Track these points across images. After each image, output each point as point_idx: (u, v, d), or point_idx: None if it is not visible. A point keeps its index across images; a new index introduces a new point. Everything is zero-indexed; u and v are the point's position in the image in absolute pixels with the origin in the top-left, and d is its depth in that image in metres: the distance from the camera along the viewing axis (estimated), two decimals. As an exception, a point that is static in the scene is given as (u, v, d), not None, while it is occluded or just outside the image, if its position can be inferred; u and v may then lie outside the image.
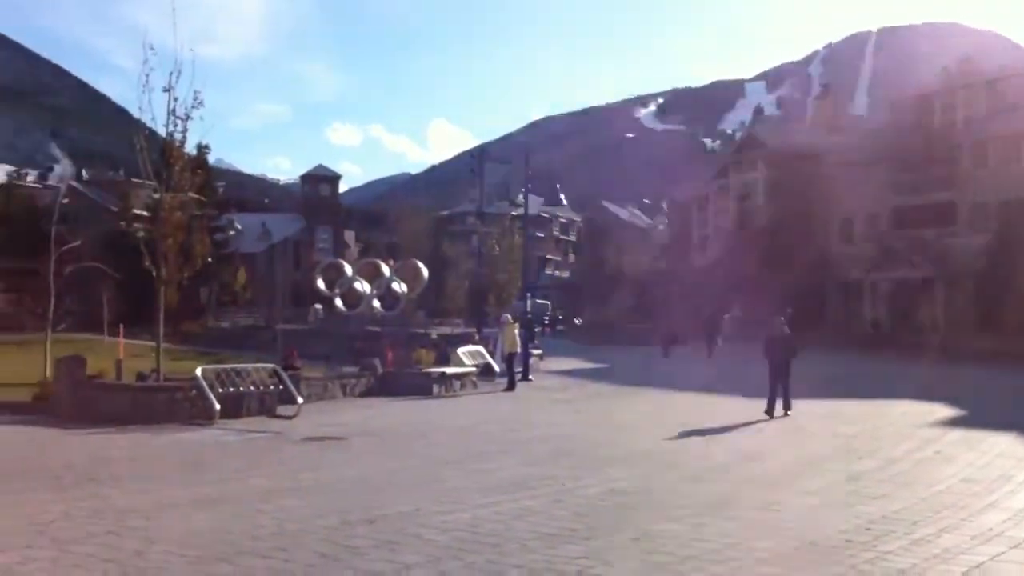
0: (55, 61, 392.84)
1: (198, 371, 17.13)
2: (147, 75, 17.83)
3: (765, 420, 16.48)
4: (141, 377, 18.90)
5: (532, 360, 28.88)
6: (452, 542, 7.30)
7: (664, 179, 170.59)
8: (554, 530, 7.76)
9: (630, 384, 26.00)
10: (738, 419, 16.46)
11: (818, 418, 16.72)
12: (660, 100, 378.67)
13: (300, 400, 17.89)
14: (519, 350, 26.29)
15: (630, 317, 59.90)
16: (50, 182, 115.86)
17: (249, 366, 18.76)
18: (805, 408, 17.49)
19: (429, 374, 24.00)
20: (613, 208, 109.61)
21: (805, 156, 53.24)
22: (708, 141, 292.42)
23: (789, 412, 17.10)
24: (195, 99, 18.14)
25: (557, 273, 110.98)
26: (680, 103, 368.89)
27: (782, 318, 18.50)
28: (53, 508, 8.62)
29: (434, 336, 36.86)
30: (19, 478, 10.41)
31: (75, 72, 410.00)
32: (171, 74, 17.83)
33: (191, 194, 19.59)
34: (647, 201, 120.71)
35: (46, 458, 12.08)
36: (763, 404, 17.08)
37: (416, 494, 9.51)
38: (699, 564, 6.69)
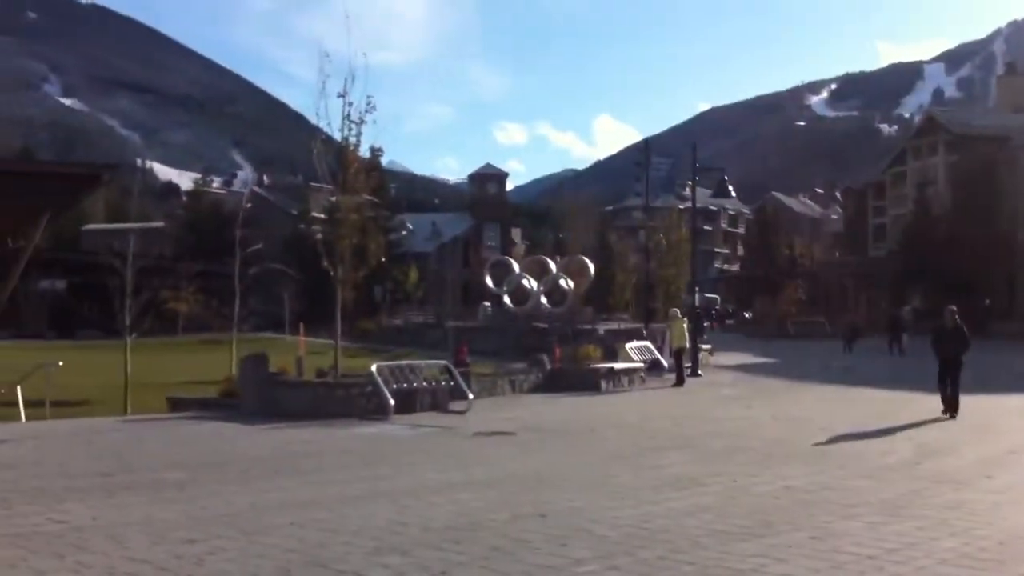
0: (237, 72, 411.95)
1: (373, 368, 17.63)
2: (323, 82, 18.48)
3: (947, 418, 15.72)
4: (320, 374, 19.59)
5: (701, 355, 28.45)
6: (623, 538, 7.27)
7: (836, 167, 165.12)
8: (727, 527, 7.62)
9: (803, 379, 25.30)
10: (920, 416, 15.77)
11: (1007, 413, 15.85)
12: (833, 86, 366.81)
13: (471, 396, 18.16)
14: (687, 345, 25.97)
15: (803, 310, 58.29)
16: (234, 188, 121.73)
17: (422, 363, 19.21)
18: (994, 404, 16.60)
19: (597, 370, 23.96)
20: (784, 198, 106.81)
21: (989, 139, 50.61)
22: (884, 127, 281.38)
23: (954, 414, 15.87)
24: (368, 104, 18.70)
25: (726, 266, 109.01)
26: (854, 88, 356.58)
27: (953, 308, 17.39)
28: (240, 499, 9.04)
29: (601, 332, 36.76)
30: (209, 470, 10.96)
31: (256, 82, 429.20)
32: (345, 80, 18.43)
33: (366, 196, 20.15)
34: (819, 191, 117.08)
35: (233, 451, 12.68)
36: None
37: (586, 490, 9.51)
38: (879, 564, 6.43)
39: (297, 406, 17.20)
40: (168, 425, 15.84)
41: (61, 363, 19.15)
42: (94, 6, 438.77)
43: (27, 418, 17.17)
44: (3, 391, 18.70)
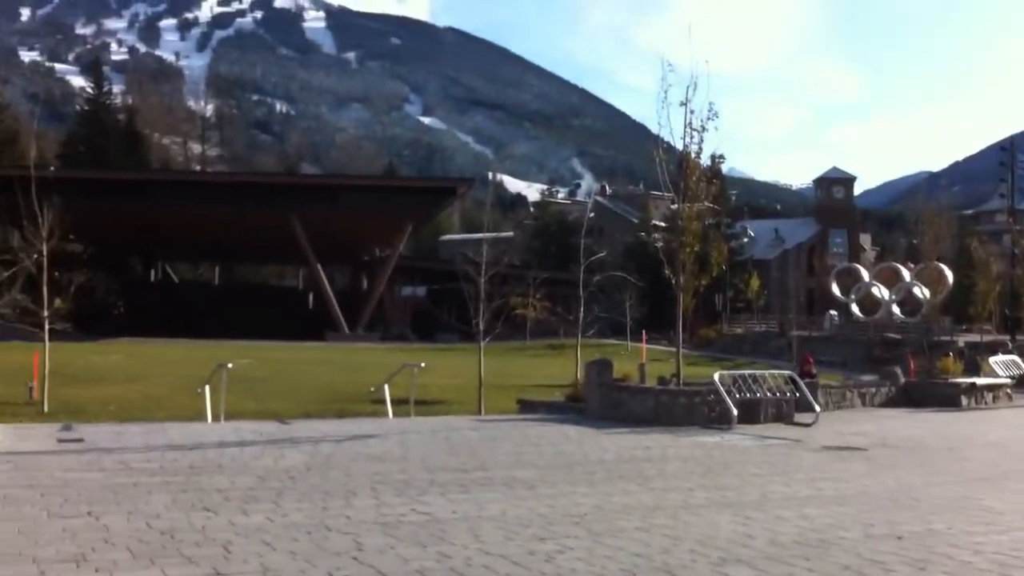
0: (581, 86, 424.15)
1: (716, 376, 17.51)
2: (665, 91, 18.63)
3: None
4: (662, 381, 19.72)
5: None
6: (990, 566, 6.75)
7: None
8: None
9: None
10: None
11: None
12: None
13: (818, 408, 17.57)
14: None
15: None
16: (577, 198, 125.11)
17: (765, 372, 18.82)
18: None
19: (957, 384, 22.40)
20: None
21: None
22: None
23: None
24: (710, 111, 18.64)
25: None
26: None
27: None
28: (586, 501, 9.29)
29: (961, 344, 34.41)
30: (557, 471, 11.35)
31: (599, 94, 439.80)
32: (687, 88, 18.47)
33: (707, 204, 20.10)
34: None
35: (580, 454, 13.04)
36: None
37: (946, 512, 8.92)
38: None
39: (640, 412, 17.41)
40: (519, 426, 16.58)
41: (423, 364, 20.57)
42: (451, 29, 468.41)
43: (393, 415, 18.62)
44: (373, 389, 20.40)
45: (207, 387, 17.64)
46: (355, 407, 21.19)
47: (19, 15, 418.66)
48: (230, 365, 18.15)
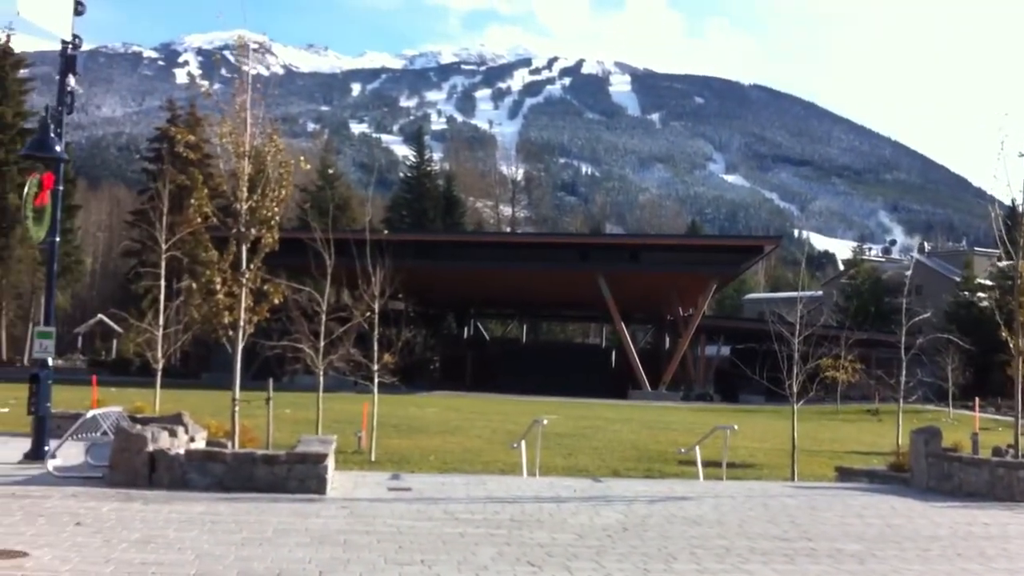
0: (894, 138, 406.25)
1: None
2: (1001, 142, 17.37)
3: None
4: (997, 452, 18.14)
5: None
6: None
7: None
8: None
9: None
10: None
11: None
12: None
13: None
14: None
15: None
16: (892, 256, 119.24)
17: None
18: None
19: None
20: None
21: None
22: None
23: None
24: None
25: None
26: None
27: None
28: (924, 580, 8.67)
29: None
30: (887, 546, 10.67)
31: (913, 147, 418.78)
32: (1029, 138, 17.13)
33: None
34: None
35: (909, 528, 12.21)
36: None
37: None
38: None
39: (973, 485, 16.08)
40: (839, 494, 15.80)
41: (736, 427, 20.15)
42: (755, 86, 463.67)
43: (704, 477, 18.31)
44: (684, 451, 20.20)
45: (523, 442, 18.13)
46: (663, 467, 21.06)
47: (350, 91, 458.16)
48: (545, 421, 18.59)
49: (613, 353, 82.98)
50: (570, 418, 35.97)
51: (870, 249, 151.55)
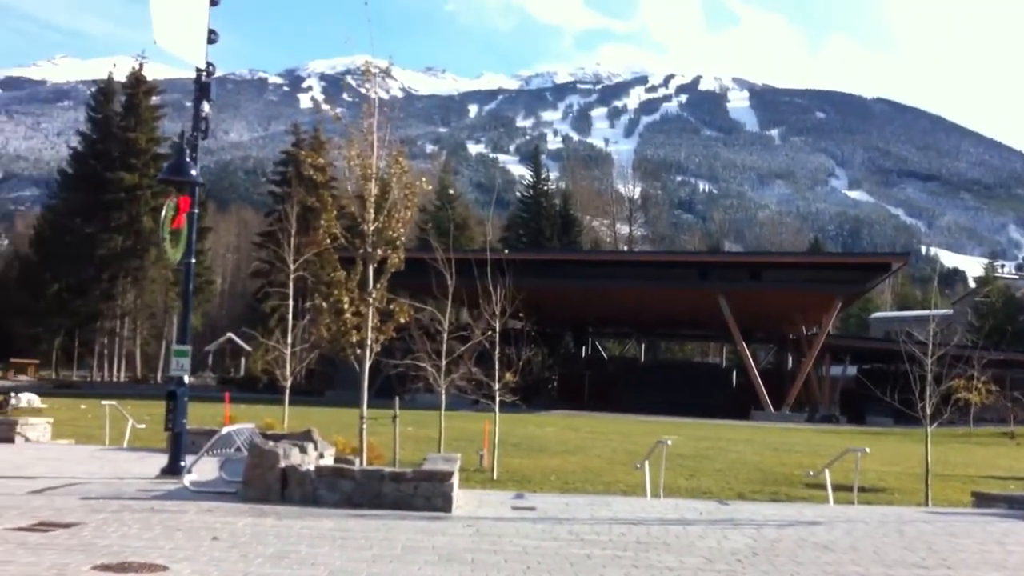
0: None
1: None
2: None
3: None
4: None
5: None
6: None
7: None
8: None
9: None
10: None
11: None
12: None
13: None
14: None
15: None
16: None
17: None
18: None
19: None
20: None
21: None
22: None
23: None
24: None
25: None
26: None
27: None
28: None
29: None
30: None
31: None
32: None
33: None
34: None
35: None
36: None
37: None
38: None
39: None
40: (977, 520, 15.17)
41: (868, 450, 19.54)
42: (879, 99, 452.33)
43: (834, 501, 17.79)
44: (812, 473, 19.68)
45: (647, 462, 17.93)
46: (789, 490, 20.53)
47: (468, 112, 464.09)
48: (669, 441, 18.36)
49: (734, 373, 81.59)
50: (691, 438, 35.44)
51: (1003, 266, 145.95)
